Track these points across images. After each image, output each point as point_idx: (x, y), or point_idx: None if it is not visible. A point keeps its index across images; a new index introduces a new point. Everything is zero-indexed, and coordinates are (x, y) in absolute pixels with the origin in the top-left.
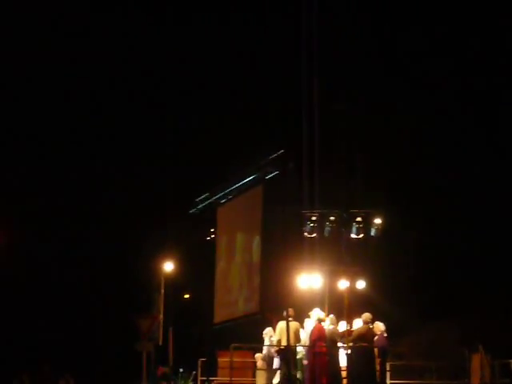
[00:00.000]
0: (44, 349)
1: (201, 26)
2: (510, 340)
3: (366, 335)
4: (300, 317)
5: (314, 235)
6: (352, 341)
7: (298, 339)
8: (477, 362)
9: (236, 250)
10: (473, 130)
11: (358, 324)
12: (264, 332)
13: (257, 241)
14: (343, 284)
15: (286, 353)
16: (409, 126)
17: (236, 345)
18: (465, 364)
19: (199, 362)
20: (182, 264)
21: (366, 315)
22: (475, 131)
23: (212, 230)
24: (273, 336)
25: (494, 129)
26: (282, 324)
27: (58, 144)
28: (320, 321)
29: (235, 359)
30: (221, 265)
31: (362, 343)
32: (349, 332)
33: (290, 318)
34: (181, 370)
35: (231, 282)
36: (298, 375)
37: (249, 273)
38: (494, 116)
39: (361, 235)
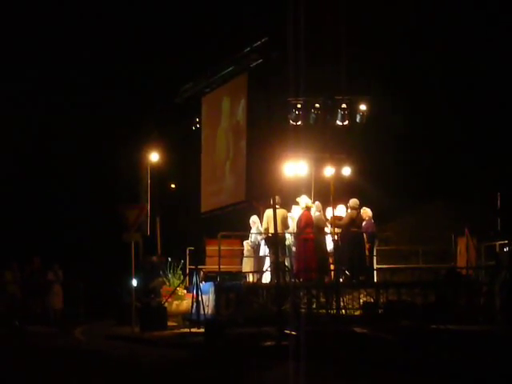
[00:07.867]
0: (34, 242)
1: None
2: (496, 224)
3: (356, 220)
4: (287, 204)
5: (300, 123)
6: (343, 225)
7: (285, 226)
8: (463, 246)
9: (222, 138)
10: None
11: (340, 210)
12: (251, 220)
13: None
14: (329, 171)
15: (274, 240)
16: (396, 11)
17: (223, 233)
18: (451, 247)
19: (187, 251)
20: (167, 154)
21: (354, 201)
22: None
23: (197, 120)
24: (260, 224)
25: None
26: (269, 211)
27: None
28: (308, 208)
29: (223, 247)
30: (207, 153)
31: (352, 228)
32: (334, 218)
33: (277, 206)
34: (169, 259)
35: (218, 171)
36: (286, 262)
37: (235, 160)
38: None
39: (346, 122)
